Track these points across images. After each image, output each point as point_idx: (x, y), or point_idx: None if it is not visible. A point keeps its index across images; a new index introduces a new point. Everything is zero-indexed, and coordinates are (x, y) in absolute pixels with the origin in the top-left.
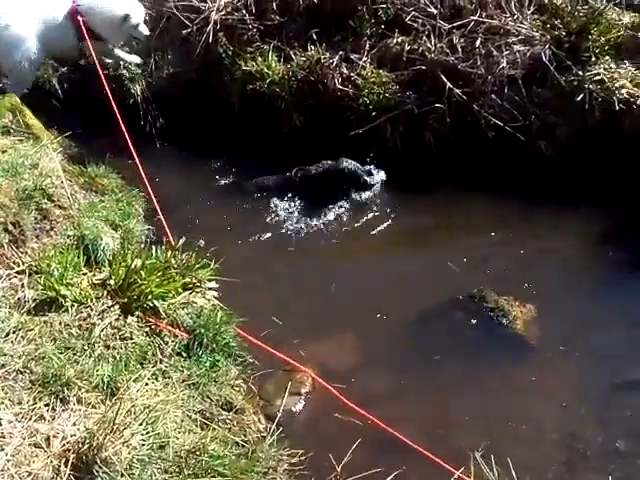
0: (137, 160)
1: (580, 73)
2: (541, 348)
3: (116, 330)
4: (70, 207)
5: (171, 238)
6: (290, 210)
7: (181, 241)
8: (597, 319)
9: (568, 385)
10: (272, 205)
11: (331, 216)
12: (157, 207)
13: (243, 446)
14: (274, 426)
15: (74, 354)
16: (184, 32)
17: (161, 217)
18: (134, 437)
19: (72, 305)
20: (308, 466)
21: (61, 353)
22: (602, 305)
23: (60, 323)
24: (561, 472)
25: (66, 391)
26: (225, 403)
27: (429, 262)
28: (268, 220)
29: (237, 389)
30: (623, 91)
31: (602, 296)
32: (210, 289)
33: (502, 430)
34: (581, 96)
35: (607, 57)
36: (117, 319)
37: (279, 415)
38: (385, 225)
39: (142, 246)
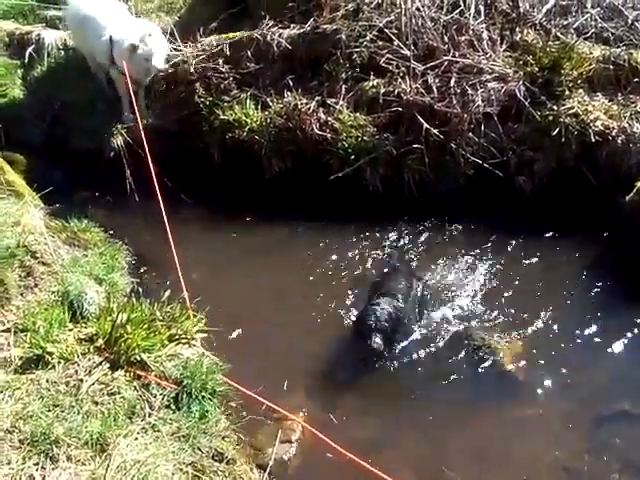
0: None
1: (555, 107)
2: (529, 383)
3: (104, 385)
4: (54, 263)
5: (187, 301)
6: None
7: (167, 293)
8: (583, 351)
9: (558, 419)
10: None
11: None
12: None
13: None
14: (266, 475)
15: (62, 411)
16: (162, 84)
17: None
18: None
19: (59, 362)
20: None
21: (49, 411)
22: (587, 337)
23: (47, 380)
24: None
25: (55, 449)
26: (216, 454)
27: None
28: (253, 267)
29: (227, 439)
30: (598, 123)
31: (587, 329)
32: (195, 340)
33: (494, 467)
34: (557, 130)
35: (580, 90)
36: (104, 374)
37: (271, 464)
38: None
39: (127, 299)
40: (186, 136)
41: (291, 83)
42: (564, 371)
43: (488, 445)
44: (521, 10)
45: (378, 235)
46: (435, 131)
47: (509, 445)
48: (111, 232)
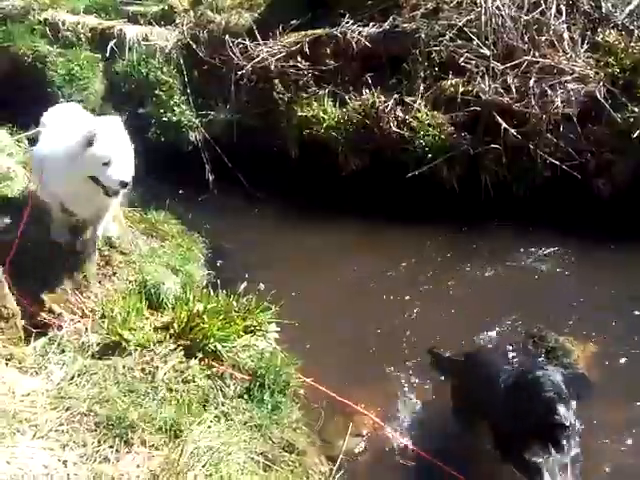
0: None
1: (636, 109)
2: (604, 386)
3: (179, 373)
4: (132, 253)
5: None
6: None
7: (243, 285)
8: None
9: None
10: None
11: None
12: None
13: None
14: (336, 468)
15: (137, 397)
16: (240, 79)
17: None
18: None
19: (135, 349)
20: None
21: (125, 396)
22: None
23: (123, 366)
24: None
25: (130, 433)
26: (287, 445)
27: (483, 301)
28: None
29: (299, 431)
30: None
31: None
32: (271, 332)
33: None
34: (637, 133)
35: None
36: (180, 362)
37: (341, 457)
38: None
39: (203, 290)
40: (265, 131)
41: (370, 81)
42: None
43: None
44: (603, 10)
45: (453, 234)
46: (513, 131)
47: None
48: (189, 225)
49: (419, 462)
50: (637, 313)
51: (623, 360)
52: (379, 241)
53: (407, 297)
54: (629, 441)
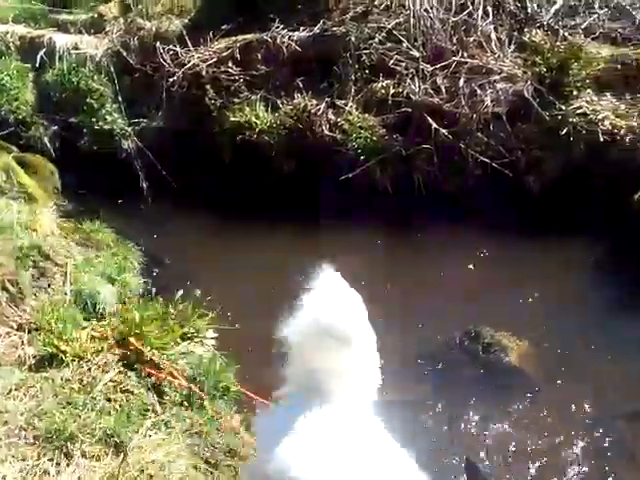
0: None
1: (563, 107)
2: (541, 380)
3: (117, 383)
4: (67, 263)
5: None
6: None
7: (179, 293)
8: (593, 351)
9: (567, 416)
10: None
11: None
12: None
13: None
14: None
15: (76, 408)
16: (172, 85)
17: None
18: None
19: (72, 360)
20: None
21: (63, 408)
22: (597, 337)
23: (61, 378)
24: None
25: (70, 445)
26: (229, 450)
27: (421, 303)
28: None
29: (240, 436)
30: (606, 122)
31: (597, 328)
32: (209, 338)
33: (507, 465)
34: (565, 130)
35: (588, 90)
36: (118, 372)
37: None
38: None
39: (140, 298)
40: (198, 138)
41: (301, 85)
42: (573, 369)
43: (503, 439)
44: (529, 11)
45: (388, 236)
46: (444, 131)
47: (522, 440)
48: (124, 233)
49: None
50: (569, 308)
51: (557, 354)
52: (316, 244)
53: None
54: (561, 437)
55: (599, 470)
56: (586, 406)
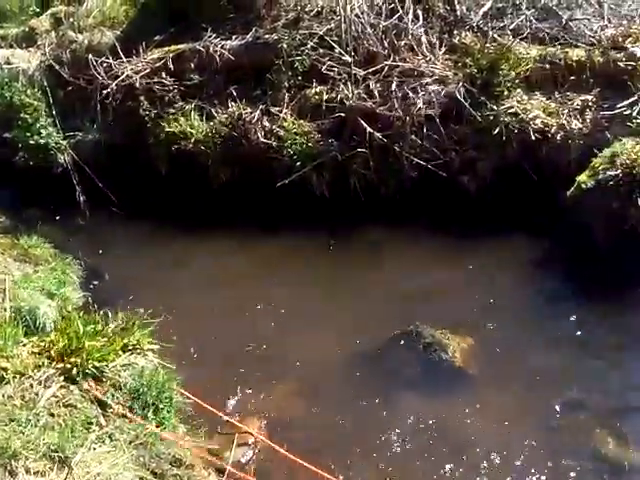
0: None
1: (494, 107)
2: (481, 377)
3: (60, 397)
4: (4, 280)
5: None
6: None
7: (119, 305)
8: (531, 345)
9: (508, 409)
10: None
11: None
12: None
13: None
14: (225, 479)
15: (19, 425)
16: (106, 98)
17: None
18: None
19: (14, 377)
20: None
21: (6, 425)
22: (535, 332)
23: (3, 395)
24: None
25: (14, 463)
26: (174, 460)
27: (361, 305)
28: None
29: (185, 445)
30: (537, 121)
31: (535, 323)
32: (150, 349)
33: (452, 461)
34: (497, 129)
35: (519, 90)
36: (60, 387)
37: (228, 468)
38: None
39: (80, 312)
40: (134, 150)
41: (235, 93)
42: (513, 364)
43: (442, 437)
44: (458, 13)
45: (327, 241)
46: (378, 135)
47: (462, 436)
48: (62, 248)
49: (304, 469)
50: (507, 305)
51: (498, 351)
52: (255, 252)
53: (283, 307)
54: (508, 427)
55: (537, 462)
56: (523, 400)
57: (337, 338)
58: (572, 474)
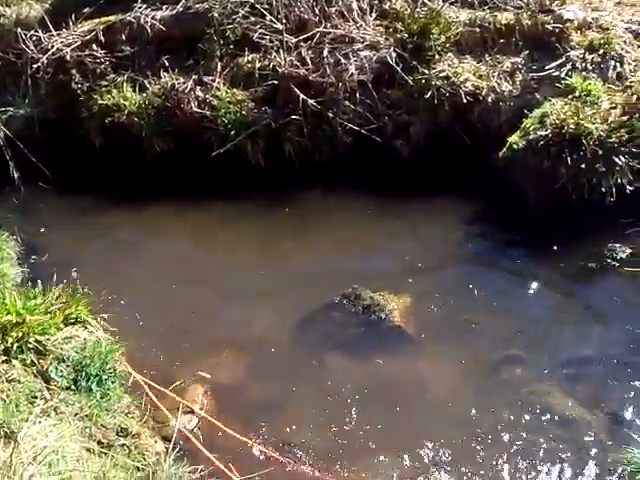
0: None
1: (426, 71)
2: (420, 334)
3: (2, 373)
4: None
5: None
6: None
7: (55, 278)
8: (470, 303)
9: (450, 367)
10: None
11: None
12: None
13: (143, 469)
14: (171, 446)
15: None
16: (36, 72)
17: None
18: (34, 478)
19: None
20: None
21: None
22: (473, 290)
23: None
24: (457, 452)
25: None
26: (121, 430)
27: (299, 269)
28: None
29: (130, 415)
30: (468, 84)
31: (472, 282)
32: (92, 321)
33: (391, 415)
34: (430, 93)
35: (450, 54)
36: (2, 362)
37: (175, 435)
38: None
39: (19, 288)
40: (67, 123)
41: (167, 64)
42: (450, 322)
43: (386, 398)
44: None
45: (264, 210)
46: (312, 102)
47: (402, 391)
48: None
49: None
50: (446, 265)
51: (435, 310)
52: (192, 221)
53: (220, 276)
54: (449, 384)
55: (476, 415)
56: (464, 356)
57: (276, 305)
58: (512, 427)
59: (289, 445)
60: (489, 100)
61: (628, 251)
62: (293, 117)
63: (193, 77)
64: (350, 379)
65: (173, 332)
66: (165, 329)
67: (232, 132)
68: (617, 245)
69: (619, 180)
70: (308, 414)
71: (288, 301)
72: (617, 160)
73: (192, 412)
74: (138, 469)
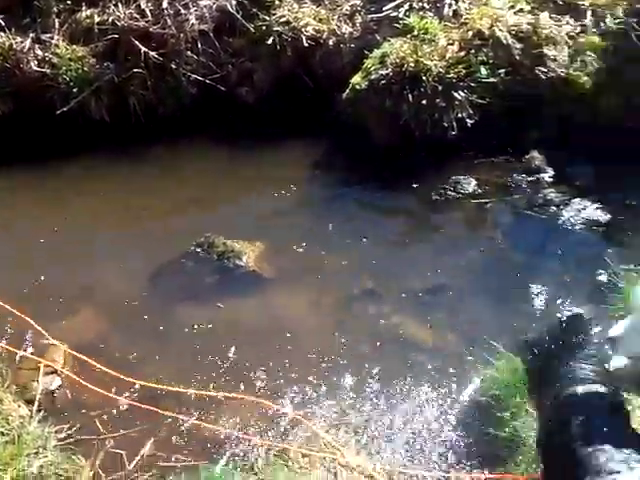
0: None
1: (267, 18)
2: (275, 278)
3: None
4: None
5: None
6: None
7: None
8: (325, 242)
9: (307, 303)
10: None
11: None
12: None
13: (8, 434)
14: (35, 409)
15: None
16: None
17: None
18: None
19: None
20: (77, 438)
21: None
22: (322, 230)
23: None
24: (320, 388)
25: None
26: None
27: (152, 225)
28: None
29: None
30: (309, 28)
31: (320, 221)
32: None
33: (254, 359)
34: (271, 39)
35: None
36: None
37: (38, 397)
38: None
39: None
40: None
41: (3, 23)
42: (305, 264)
43: (245, 340)
44: None
45: (112, 168)
46: (153, 54)
47: (265, 336)
48: None
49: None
50: (301, 209)
51: (289, 253)
52: (40, 187)
53: (76, 237)
54: (301, 319)
55: (333, 349)
56: (321, 295)
57: (129, 261)
58: (372, 358)
59: (154, 398)
60: (330, 43)
61: (473, 182)
62: (135, 71)
63: (31, 36)
64: (207, 325)
65: (30, 295)
66: (17, 293)
67: (75, 89)
68: (462, 177)
69: (459, 114)
70: (170, 364)
71: (142, 257)
72: (456, 95)
73: (54, 372)
74: (2, 434)
